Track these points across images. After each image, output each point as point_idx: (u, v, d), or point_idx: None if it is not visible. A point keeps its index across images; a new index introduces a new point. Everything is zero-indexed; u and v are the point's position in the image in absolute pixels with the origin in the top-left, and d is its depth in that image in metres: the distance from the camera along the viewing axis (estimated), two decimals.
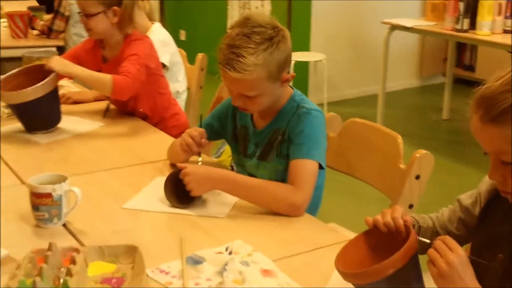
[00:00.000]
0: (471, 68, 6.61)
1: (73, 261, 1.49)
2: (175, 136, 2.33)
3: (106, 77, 2.47)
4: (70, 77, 2.51)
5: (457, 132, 5.43)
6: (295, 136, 1.92)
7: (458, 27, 4.62)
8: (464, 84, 6.42)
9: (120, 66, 2.54)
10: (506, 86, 1.26)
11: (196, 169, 1.87)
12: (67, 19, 4.56)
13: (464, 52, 6.65)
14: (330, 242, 1.69)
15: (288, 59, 1.90)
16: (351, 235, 1.72)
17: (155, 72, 2.75)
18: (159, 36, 3.16)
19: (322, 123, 1.95)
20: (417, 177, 1.94)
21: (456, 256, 1.21)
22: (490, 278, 1.25)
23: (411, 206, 1.97)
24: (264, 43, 1.82)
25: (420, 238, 1.30)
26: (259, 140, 2.03)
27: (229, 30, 1.88)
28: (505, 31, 4.53)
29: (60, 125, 2.61)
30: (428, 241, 1.28)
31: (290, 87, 2.01)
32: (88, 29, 2.67)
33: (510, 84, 1.26)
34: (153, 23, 3.25)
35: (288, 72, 1.93)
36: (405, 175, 1.95)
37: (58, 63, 2.48)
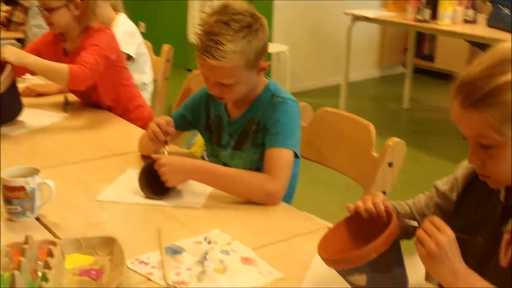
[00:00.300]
0: (430, 58, 6.71)
1: (50, 254, 1.47)
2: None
3: (62, 67, 2.43)
4: (26, 68, 2.45)
5: (418, 121, 5.51)
6: (270, 125, 1.92)
7: (420, 17, 4.67)
8: (424, 74, 6.53)
9: (78, 56, 2.51)
10: (486, 72, 1.28)
11: (171, 160, 1.86)
12: (27, 11, 4.47)
13: (424, 42, 6.74)
14: (308, 230, 1.70)
15: (265, 48, 1.90)
16: (326, 223, 1.73)
17: (116, 64, 2.72)
18: (125, 27, 3.13)
19: (297, 113, 1.96)
20: (390, 164, 1.97)
21: (445, 236, 1.23)
22: (470, 259, 1.27)
23: (384, 193, 1.98)
24: (242, 31, 1.82)
25: (407, 221, 1.32)
26: (234, 129, 2.03)
27: (207, 17, 1.87)
28: (466, 21, 4.61)
29: (24, 118, 2.56)
30: (415, 223, 1.29)
31: (265, 76, 2.01)
32: (50, 23, 2.62)
33: (490, 69, 1.28)
34: (118, 14, 3.21)
35: (264, 61, 1.93)
36: (378, 162, 1.97)
37: (12, 53, 2.42)
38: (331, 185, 3.83)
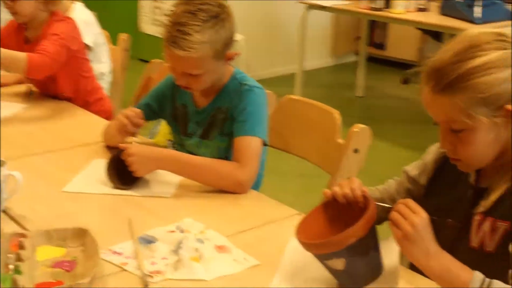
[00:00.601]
0: (382, 46, 6.79)
1: (21, 246, 1.45)
2: None
3: (20, 55, 2.38)
4: None
5: (371, 108, 5.58)
6: (238, 113, 1.92)
7: (374, 5, 4.73)
8: (375, 62, 6.60)
9: (38, 45, 2.47)
10: (455, 57, 1.32)
11: (139, 149, 1.85)
12: None
13: (375, 31, 6.82)
14: (280, 217, 1.72)
15: (232, 37, 1.90)
16: (296, 210, 1.75)
17: (77, 55, 2.67)
18: (82, 16, 3.08)
19: (264, 100, 1.96)
20: (356, 150, 1.99)
21: (419, 218, 1.26)
22: (442, 240, 1.30)
23: None
24: (210, 21, 1.81)
25: (381, 204, 1.34)
26: (201, 119, 2.02)
27: (174, 7, 1.85)
28: (419, 9, 4.68)
29: None
30: (389, 206, 1.32)
31: (231, 65, 2.01)
32: (14, 13, 2.57)
33: (459, 55, 1.31)
34: (73, 3, 3.16)
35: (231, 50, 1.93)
36: (344, 149, 1.99)
37: None
38: (298, 173, 3.86)
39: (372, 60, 6.51)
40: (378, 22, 6.60)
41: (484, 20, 4.15)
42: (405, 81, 6.04)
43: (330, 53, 6.92)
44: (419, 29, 5.80)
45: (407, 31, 6.16)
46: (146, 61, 6.45)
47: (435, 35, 5.65)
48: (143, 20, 6.44)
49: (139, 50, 6.24)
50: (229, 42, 1.89)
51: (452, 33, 4.42)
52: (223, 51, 1.87)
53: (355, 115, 5.40)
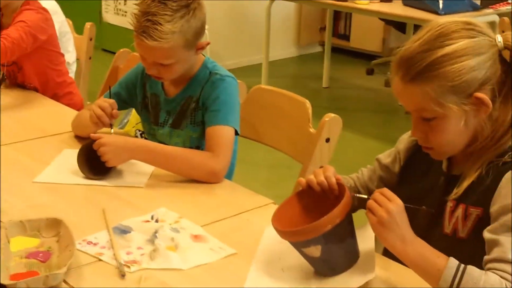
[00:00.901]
0: (345, 37, 6.83)
1: None
2: None
3: None
4: None
5: (337, 99, 5.61)
6: (210, 103, 1.92)
7: None
8: (339, 52, 6.63)
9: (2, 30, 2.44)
10: (424, 46, 1.33)
11: (111, 139, 1.83)
12: None
13: (339, 22, 6.86)
14: (254, 206, 1.72)
15: (203, 26, 1.89)
16: (270, 200, 1.76)
17: (46, 46, 2.65)
18: (46, 5, 3.02)
19: (236, 90, 1.97)
20: (327, 140, 2.01)
21: (394, 205, 1.28)
22: (416, 227, 1.33)
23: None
24: (181, 10, 1.80)
25: (357, 195, 1.36)
26: (171, 108, 2.01)
27: None
28: (383, 0, 4.72)
29: None
30: (364, 196, 1.34)
31: (202, 54, 2.01)
32: None
33: (428, 44, 1.33)
34: None
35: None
36: (315, 139, 2.01)
37: None
38: (258, 163, 3.87)
39: (336, 51, 6.54)
40: (342, 13, 6.64)
41: (447, 11, 4.21)
42: (370, 72, 6.10)
43: (295, 44, 6.94)
44: (382, 20, 5.85)
45: (371, 22, 6.21)
46: (109, 51, 6.38)
47: (398, 26, 5.71)
48: (106, 10, 6.37)
49: (102, 40, 6.18)
50: (200, 31, 1.88)
51: (416, 23, 4.48)
52: (194, 40, 1.87)
53: (322, 106, 5.44)
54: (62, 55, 2.80)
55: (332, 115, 2.01)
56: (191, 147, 1.96)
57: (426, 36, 1.35)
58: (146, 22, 1.79)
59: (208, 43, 1.95)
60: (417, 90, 1.34)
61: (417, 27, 4.68)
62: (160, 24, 1.78)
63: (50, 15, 2.65)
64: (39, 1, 3.01)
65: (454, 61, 1.31)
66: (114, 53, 2.86)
